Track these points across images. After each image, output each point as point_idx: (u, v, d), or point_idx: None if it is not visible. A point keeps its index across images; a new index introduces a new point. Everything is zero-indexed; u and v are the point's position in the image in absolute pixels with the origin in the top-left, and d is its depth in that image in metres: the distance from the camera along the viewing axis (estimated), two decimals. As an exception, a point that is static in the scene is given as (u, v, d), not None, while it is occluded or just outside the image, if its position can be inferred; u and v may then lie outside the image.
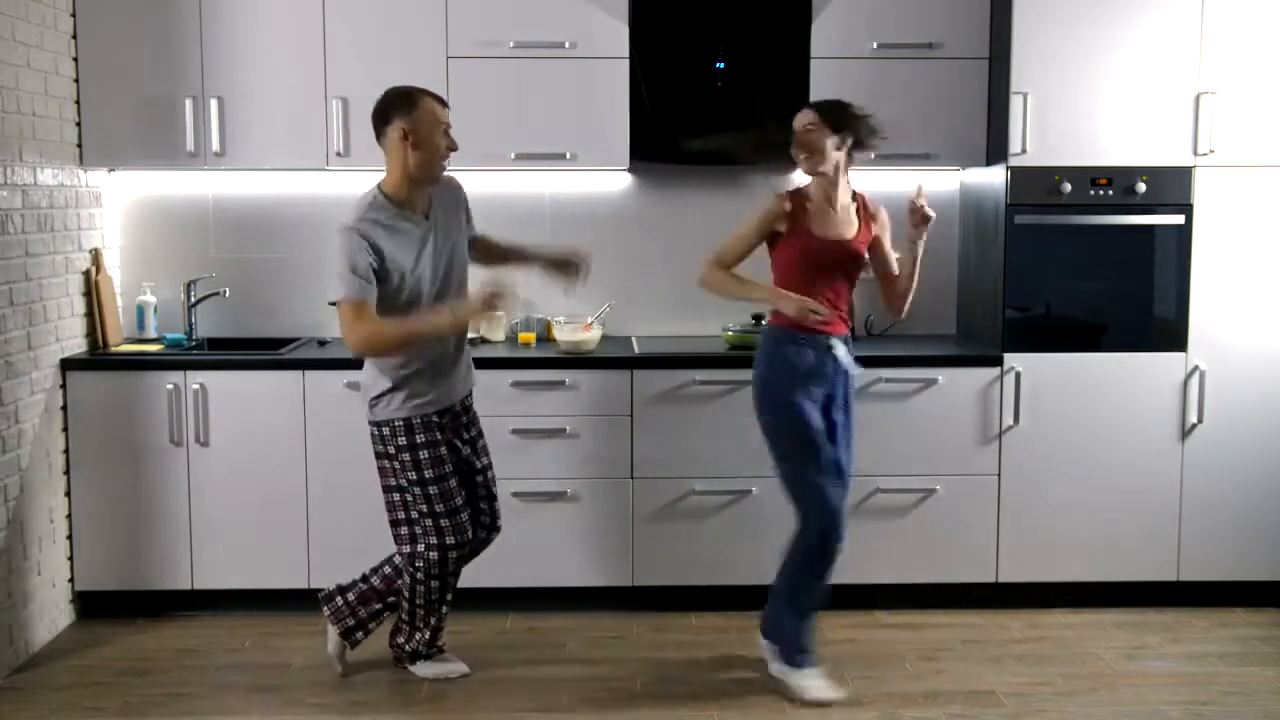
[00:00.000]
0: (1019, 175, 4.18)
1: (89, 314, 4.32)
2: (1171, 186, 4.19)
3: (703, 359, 4.21)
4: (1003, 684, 3.70)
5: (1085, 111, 4.17)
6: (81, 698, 3.60)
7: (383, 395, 3.49)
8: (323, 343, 4.46)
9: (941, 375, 4.20)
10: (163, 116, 4.28)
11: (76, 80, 4.25)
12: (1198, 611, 4.29)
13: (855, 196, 3.69)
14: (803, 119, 3.58)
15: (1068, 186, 4.18)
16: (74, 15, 4.22)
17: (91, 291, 4.32)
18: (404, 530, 3.61)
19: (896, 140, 4.36)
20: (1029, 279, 4.24)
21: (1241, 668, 3.83)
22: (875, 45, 4.34)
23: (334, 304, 3.37)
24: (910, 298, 3.75)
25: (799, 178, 4.69)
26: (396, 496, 3.59)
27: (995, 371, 4.22)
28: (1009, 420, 4.22)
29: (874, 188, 4.71)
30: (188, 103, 4.27)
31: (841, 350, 3.60)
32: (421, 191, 3.49)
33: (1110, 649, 3.97)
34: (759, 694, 3.62)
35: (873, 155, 3.75)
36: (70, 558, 4.17)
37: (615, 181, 4.67)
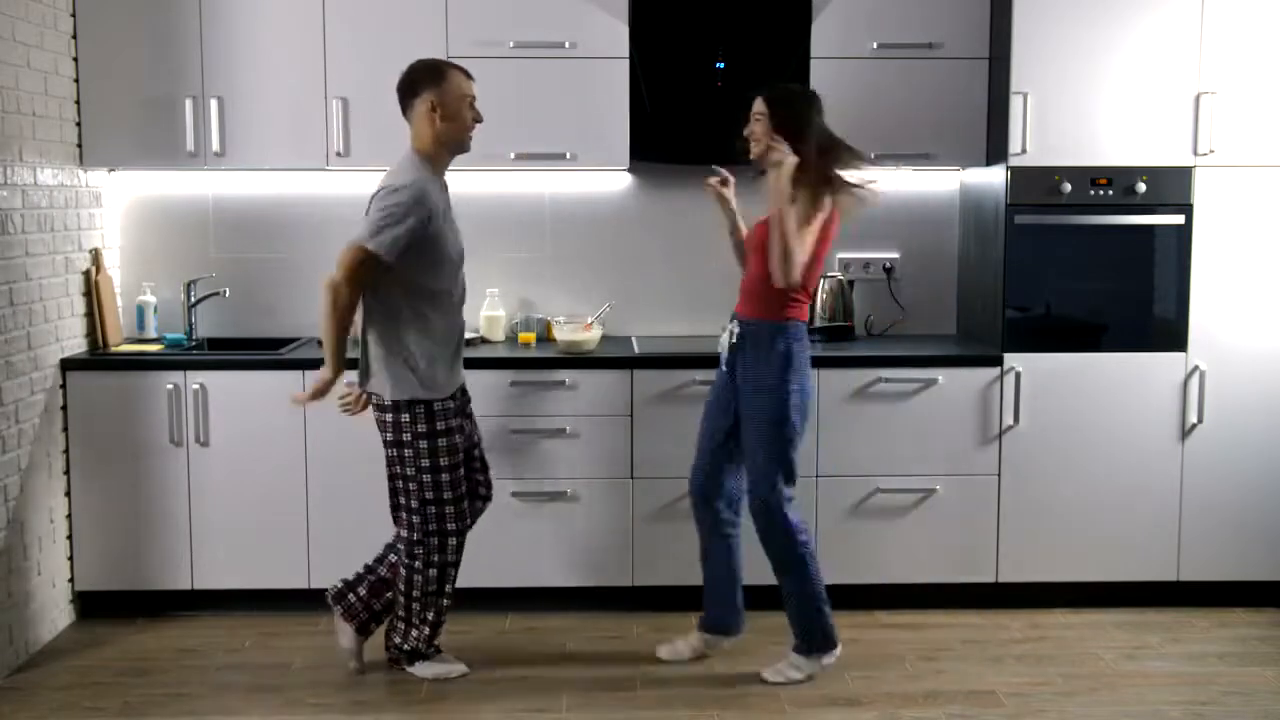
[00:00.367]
0: (1019, 175, 4.18)
1: (89, 314, 4.32)
2: (1171, 186, 4.19)
3: (703, 359, 4.20)
4: (1003, 684, 3.70)
5: (1085, 111, 4.17)
6: (81, 698, 3.60)
7: (401, 377, 3.47)
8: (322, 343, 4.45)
9: (941, 375, 4.20)
10: (163, 116, 4.28)
11: (76, 80, 4.25)
12: (1198, 611, 4.29)
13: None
14: (755, 106, 3.64)
15: (1068, 186, 4.18)
16: (74, 15, 4.22)
17: (91, 291, 4.32)
18: (406, 516, 3.60)
19: (896, 140, 4.39)
20: (1029, 279, 4.24)
21: (1241, 668, 3.83)
22: (875, 45, 4.34)
23: (355, 244, 3.35)
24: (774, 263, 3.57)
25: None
26: (401, 484, 3.59)
27: (995, 371, 4.22)
28: (1009, 420, 4.22)
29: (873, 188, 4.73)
30: (188, 103, 4.27)
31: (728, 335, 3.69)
32: (448, 158, 3.56)
33: (1110, 649, 3.97)
34: (759, 694, 3.62)
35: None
36: (70, 558, 4.17)
37: (615, 181, 4.67)
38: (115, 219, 4.59)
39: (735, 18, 4.35)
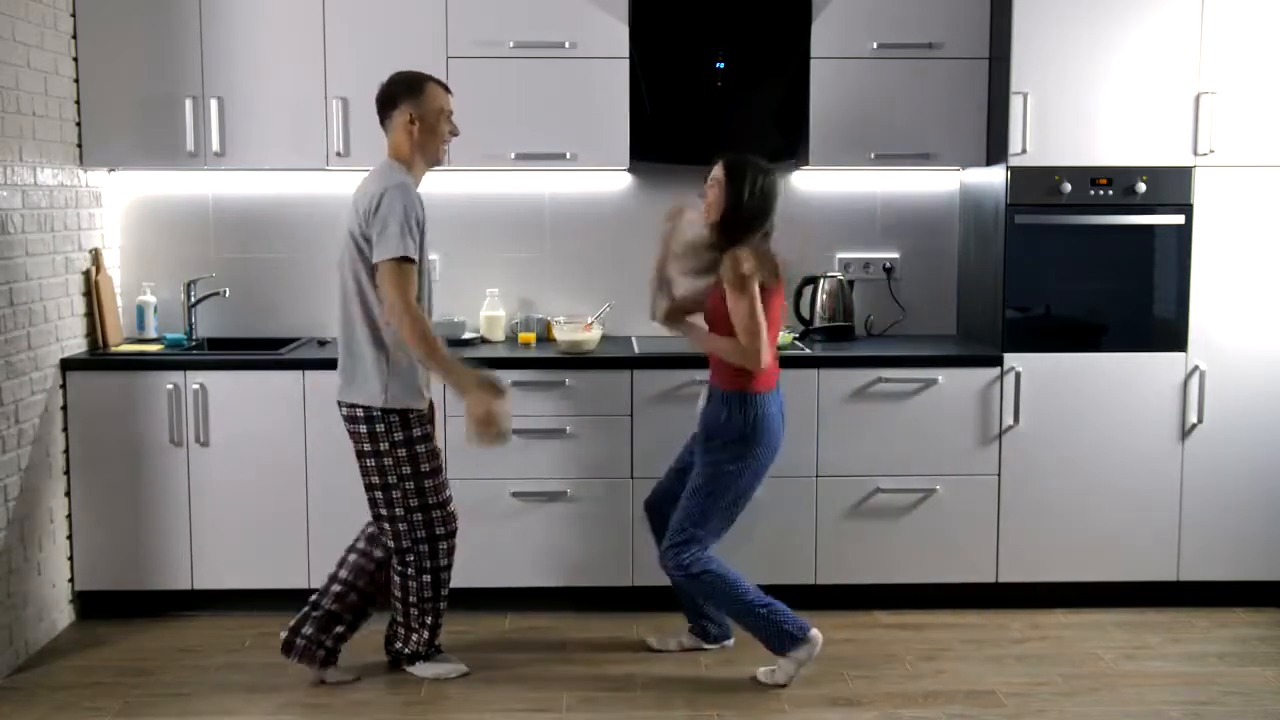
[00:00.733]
0: (1019, 175, 4.18)
1: (89, 314, 4.32)
2: (1171, 186, 4.19)
3: (703, 359, 4.19)
4: (1003, 684, 3.70)
5: (1085, 111, 4.17)
6: (81, 698, 3.60)
7: (384, 386, 3.45)
8: (323, 343, 4.46)
9: (941, 375, 4.20)
10: (163, 116, 4.28)
11: (76, 80, 4.25)
12: (1198, 611, 4.29)
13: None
14: (714, 171, 3.62)
15: (1068, 186, 4.18)
16: (74, 15, 4.22)
17: (91, 291, 4.32)
18: (391, 527, 3.57)
19: (896, 140, 4.39)
20: (1029, 279, 4.24)
21: (1241, 668, 3.83)
22: (875, 45, 4.34)
23: (380, 261, 3.33)
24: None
25: (798, 180, 4.71)
26: (380, 495, 3.54)
27: (995, 371, 4.22)
28: (1009, 420, 4.22)
29: (874, 188, 4.75)
30: (188, 103, 4.27)
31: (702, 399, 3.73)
32: (424, 170, 3.56)
33: (1110, 649, 3.97)
34: (759, 694, 3.62)
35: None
36: (70, 558, 4.17)
37: (615, 181, 4.67)
38: (115, 219, 4.59)
39: (735, 18, 4.35)
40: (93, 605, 4.23)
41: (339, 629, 3.64)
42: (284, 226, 4.63)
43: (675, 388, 4.17)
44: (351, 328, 3.50)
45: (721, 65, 4.36)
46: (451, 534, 3.62)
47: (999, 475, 4.24)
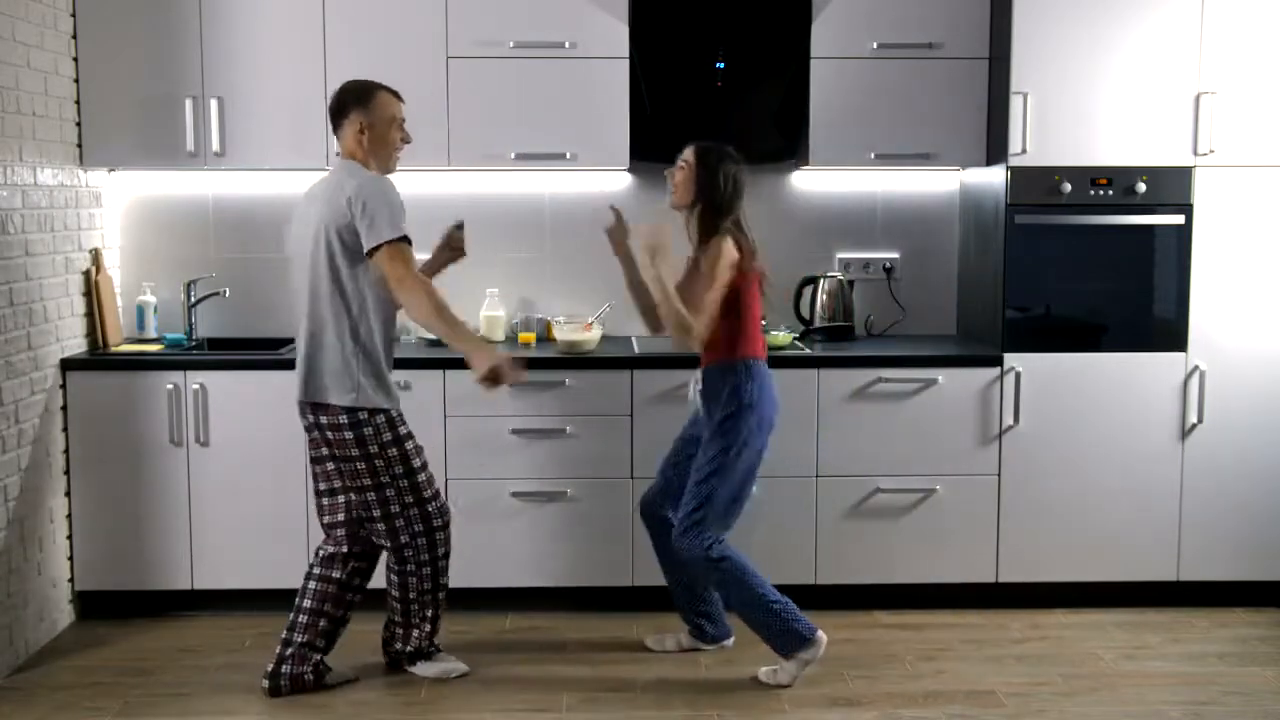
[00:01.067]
0: (1019, 175, 4.18)
1: (89, 314, 4.32)
2: (1171, 186, 4.19)
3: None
4: (1003, 684, 3.70)
5: (1085, 111, 4.17)
6: (81, 698, 3.60)
7: (364, 385, 3.43)
8: (323, 343, 4.46)
9: (941, 375, 4.20)
10: (163, 116, 4.28)
11: (76, 80, 4.25)
12: (1198, 611, 4.29)
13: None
14: (683, 154, 3.68)
15: (1068, 186, 4.18)
16: (74, 15, 4.22)
17: (91, 291, 4.32)
18: (386, 526, 3.53)
19: (896, 140, 4.39)
20: (1029, 279, 4.24)
21: (1241, 668, 3.83)
22: (875, 45, 4.34)
23: (377, 248, 3.32)
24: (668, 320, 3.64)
25: (798, 180, 4.71)
26: (373, 495, 3.51)
27: (995, 371, 4.22)
28: (1009, 420, 4.22)
29: (874, 188, 4.75)
30: (188, 103, 4.27)
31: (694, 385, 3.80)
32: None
33: (1110, 649, 3.98)
34: (759, 694, 3.62)
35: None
36: (70, 558, 4.17)
37: (615, 181, 4.67)
38: (115, 219, 4.59)
39: (735, 18, 4.35)
40: (93, 605, 4.23)
41: (317, 657, 3.61)
42: (284, 226, 4.59)
43: (675, 388, 4.17)
44: (324, 333, 3.44)
45: (721, 65, 4.36)
46: (447, 524, 3.63)
47: (999, 475, 4.24)
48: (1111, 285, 4.26)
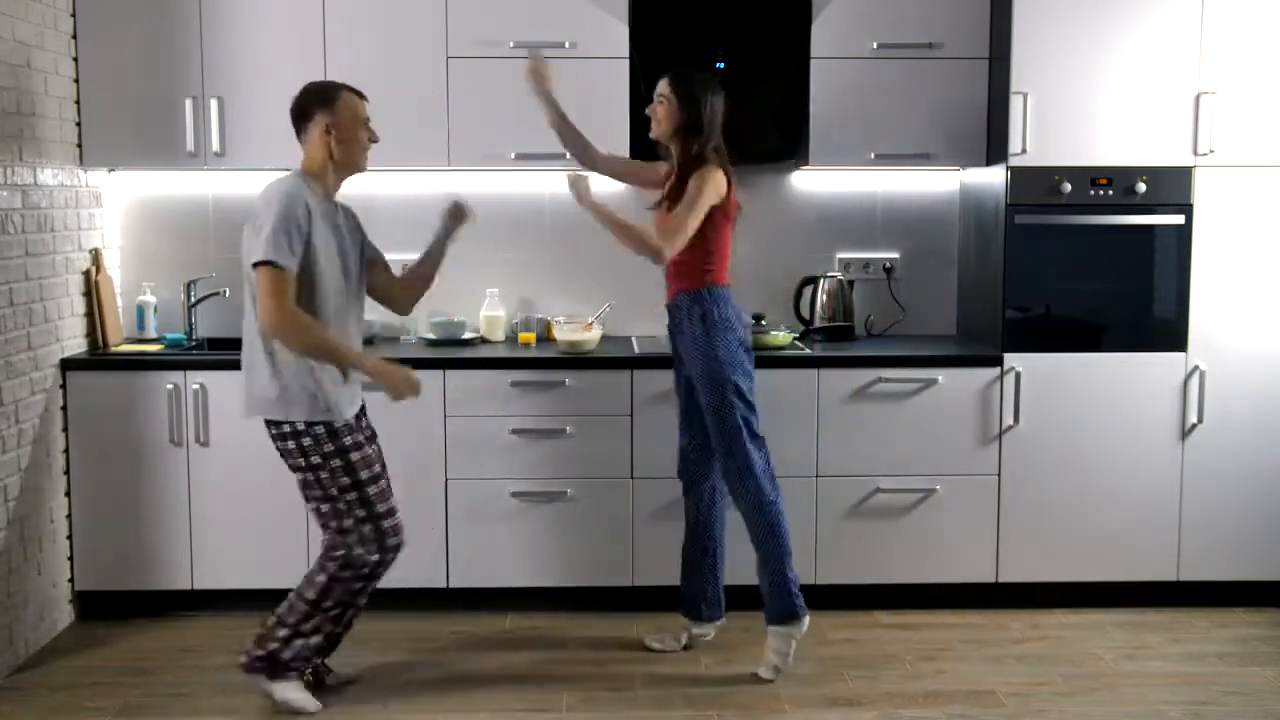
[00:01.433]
0: (1019, 175, 4.18)
1: (89, 314, 4.32)
2: (1171, 186, 4.19)
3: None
4: (1003, 684, 3.70)
5: (1085, 111, 4.17)
6: (81, 698, 3.60)
7: (298, 398, 3.33)
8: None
9: (941, 375, 4.20)
10: (163, 116, 4.28)
11: (76, 80, 4.25)
12: (1198, 611, 4.29)
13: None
14: (658, 87, 3.73)
15: (1068, 186, 4.18)
16: (74, 15, 4.22)
17: (91, 291, 4.32)
18: (342, 536, 3.41)
19: (896, 140, 4.39)
20: (1029, 279, 4.24)
21: (1241, 668, 3.83)
22: (875, 45, 4.34)
23: (256, 266, 3.23)
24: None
25: (798, 180, 4.71)
26: (327, 506, 3.41)
27: (995, 371, 4.22)
28: (1009, 420, 4.22)
29: (874, 188, 4.75)
30: (188, 103, 4.27)
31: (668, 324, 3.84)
32: (339, 180, 3.47)
33: (1110, 649, 3.98)
34: (759, 694, 3.62)
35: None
36: (70, 558, 4.17)
37: (615, 181, 4.66)
38: (115, 219, 4.59)
39: (735, 18, 4.35)
40: (93, 605, 4.23)
41: (319, 660, 3.59)
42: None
43: (675, 388, 4.16)
44: (253, 350, 3.37)
45: (721, 65, 4.36)
46: (399, 546, 3.47)
47: (999, 475, 4.24)
48: (1111, 285, 4.26)
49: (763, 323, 4.38)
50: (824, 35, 4.34)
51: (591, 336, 4.31)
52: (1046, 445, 4.23)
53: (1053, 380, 4.22)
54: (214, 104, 4.27)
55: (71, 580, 4.19)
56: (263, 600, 4.19)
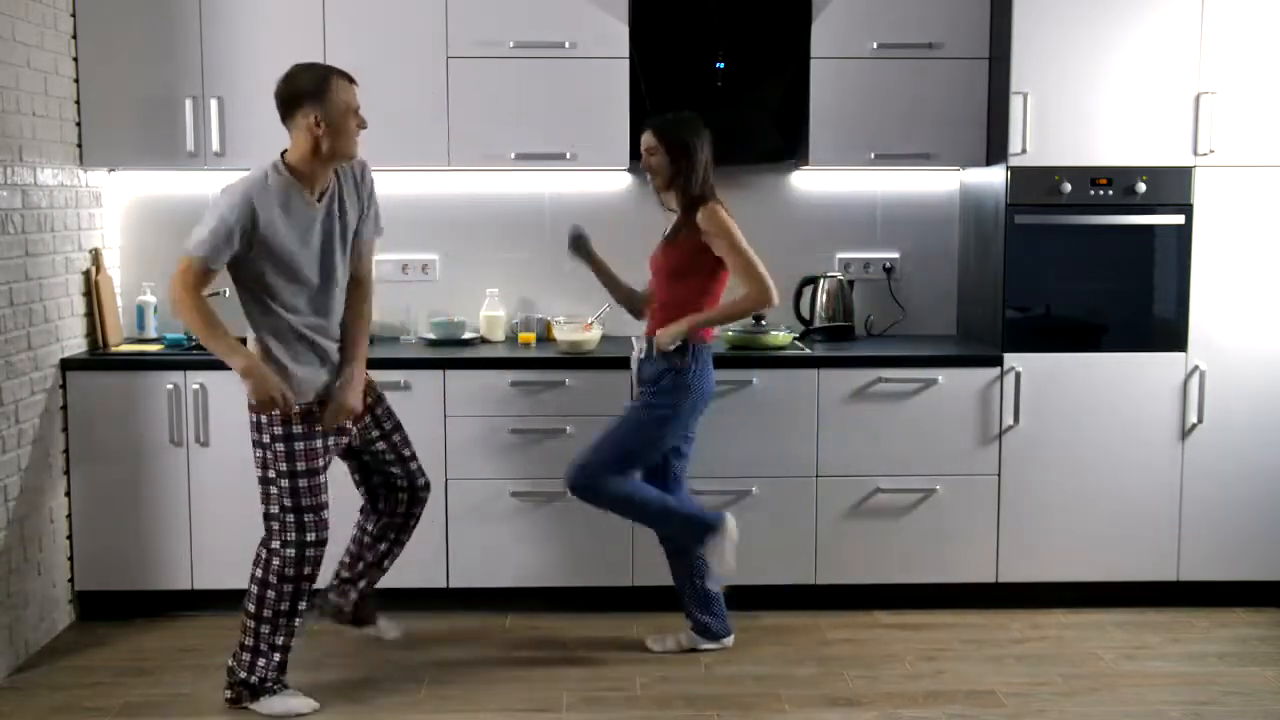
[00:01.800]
0: (1019, 175, 4.18)
1: (89, 314, 4.32)
2: (1171, 186, 4.19)
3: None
4: (1003, 684, 3.70)
5: (1085, 111, 4.17)
6: (81, 698, 3.60)
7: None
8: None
9: (941, 375, 4.20)
10: (163, 116, 4.28)
11: (76, 80, 4.25)
12: (1198, 611, 4.29)
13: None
14: (645, 142, 3.77)
15: (1068, 186, 4.18)
16: (74, 15, 4.22)
17: (91, 291, 4.32)
18: (265, 525, 3.45)
19: (896, 140, 4.39)
20: (1029, 279, 4.24)
21: (1241, 668, 3.83)
22: (875, 45, 4.34)
23: (185, 252, 3.28)
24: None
25: (798, 180, 4.71)
26: (262, 488, 3.44)
27: (995, 371, 4.22)
28: (1009, 420, 4.22)
29: (874, 188, 4.75)
30: (188, 103, 4.27)
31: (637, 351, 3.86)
32: (326, 170, 3.42)
33: (1110, 649, 3.98)
34: (759, 694, 3.62)
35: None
36: (70, 558, 4.17)
37: (615, 181, 4.67)
38: (115, 219, 4.59)
39: (735, 18, 4.35)
40: (93, 605, 4.23)
41: (354, 594, 3.79)
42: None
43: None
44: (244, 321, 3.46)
45: (721, 65, 4.36)
46: (321, 543, 3.45)
47: (999, 475, 4.24)
48: (1111, 285, 4.26)
49: (763, 323, 4.38)
50: (824, 35, 4.34)
51: (591, 336, 4.31)
52: (1046, 445, 4.23)
53: (1053, 380, 4.22)
54: (214, 104, 4.27)
55: (71, 580, 4.19)
56: (263, 600, 4.20)
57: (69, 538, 4.16)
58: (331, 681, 3.70)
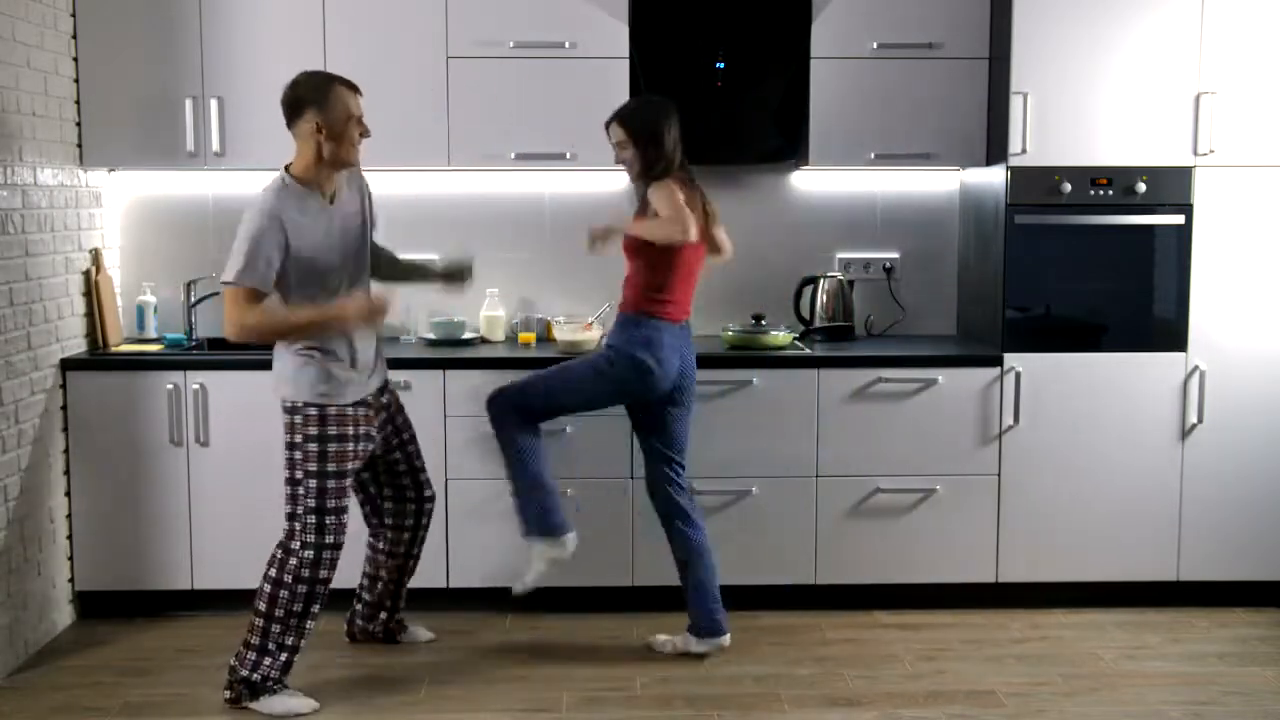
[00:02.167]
0: (1019, 175, 4.18)
1: (89, 314, 4.32)
2: (1171, 186, 4.19)
3: (702, 359, 4.19)
4: (1003, 684, 3.70)
5: (1085, 111, 4.17)
6: (81, 698, 3.60)
7: (294, 377, 3.44)
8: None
9: (941, 375, 4.20)
10: (163, 116, 4.28)
11: (76, 80, 4.25)
12: (1198, 611, 4.29)
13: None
14: (614, 135, 3.72)
15: (1068, 186, 4.18)
16: (74, 15, 4.22)
17: (91, 291, 4.32)
18: (287, 524, 3.49)
19: (896, 140, 4.39)
20: (1029, 279, 4.24)
21: (1241, 668, 3.83)
22: (875, 45, 4.34)
23: (226, 284, 3.31)
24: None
25: (798, 180, 4.71)
26: (289, 489, 3.48)
27: (995, 371, 4.22)
28: (1009, 420, 4.22)
29: (874, 188, 4.75)
30: (188, 103, 4.27)
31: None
32: (331, 177, 3.47)
33: (1110, 649, 3.98)
34: (759, 694, 3.62)
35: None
36: (70, 558, 4.17)
37: (615, 181, 4.66)
38: (115, 219, 4.59)
39: (735, 18, 4.35)
40: (93, 605, 4.23)
41: (383, 615, 3.90)
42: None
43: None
44: None
45: (721, 65, 4.36)
46: (338, 546, 3.48)
47: (999, 475, 4.24)
48: (1111, 285, 4.26)
49: (763, 323, 4.38)
50: (824, 35, 4.34)
51: (591, 336, 4.31)
52: (1046, 445, 4.23)
53: (1053, 380, 4.22)
54: (214, 104, 4.27)
55: (71, 580, 4.19)
56: (263, 600, 4.20)
57: (69, 538, 4.16)
58: (331, 681, 3.70)
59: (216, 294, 4.52)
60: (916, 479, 4.22)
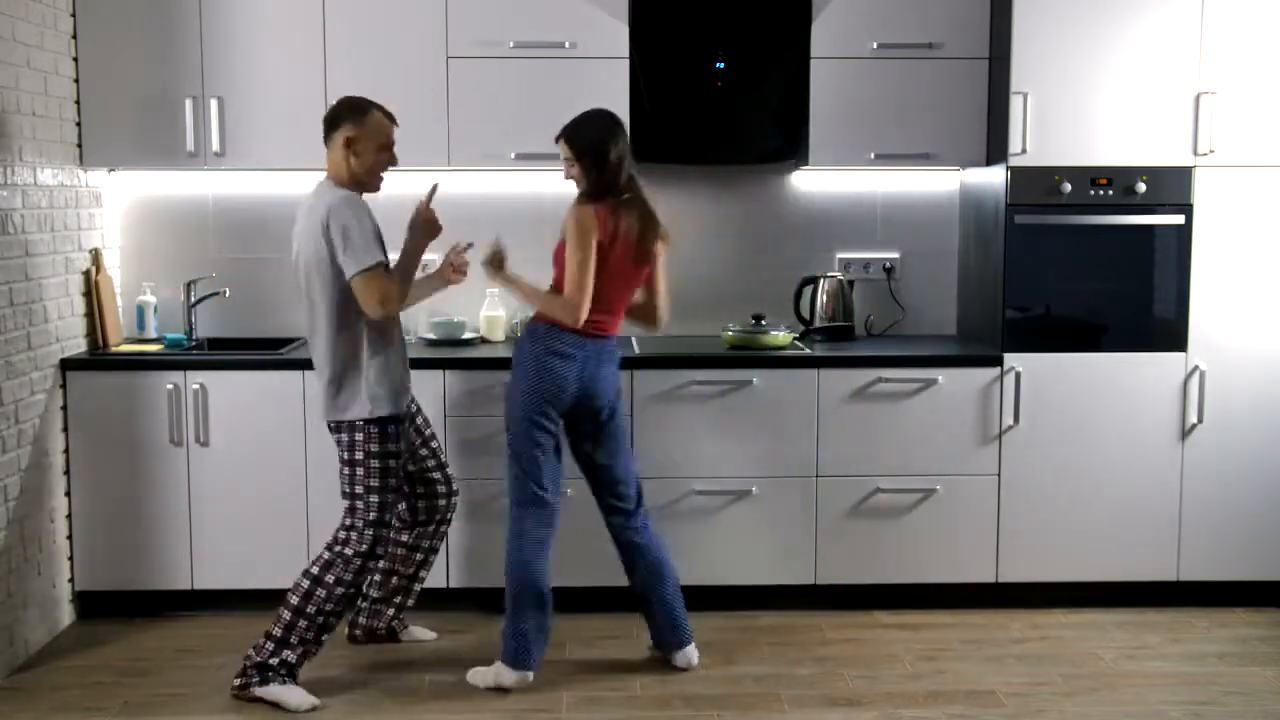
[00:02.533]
0: (1019, 175, 4.18)
1: (89, 314, 4.32)
2: (1171, 186, 4.19)
3: (702, 359, 4.21)
4: (1003, 684, 3.70)
5: (1085, 111, 4.17)
6: (81, 698, 3.60)
7: (359, 392, 3.50)
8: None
9: (941, 375, 4.20)
10: (163, 116, 4.28)
11: (76, 80, 4.25)
12: (1198, 611, 4.29)
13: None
14: (562, 152, 3.63)
15: (1068, 186, 4.18)
16: (74, 15, 4.22)
17: (91, 291, 4.32)
18: (345, 534, 3.57)
19: (896, 140, 4.39)
20: (1029, 279, 4.24)
21: (1241, 668, 3.83)
22: (875, 45, 4.34)
23: (361, 272, 3.41)
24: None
25: (798, 179, 4.71)
26: (348, 502, 3.58)
27: (995, 371, 4.22)
28: (1009, 420, 4.22)
29: (874, 188, 4.75)
30: (188, 103, 4.27)
31: None
32: (360, 191, 3.58)
33: (1110, 649, 3.98)
34: (759, 694, 3.62)
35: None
36: (70, 558, 4.17)
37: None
38: (115, 219, 4.59)
39: (735, 18, 4.35)
40: (93, 605, 4.23)
41: (390, 612, 3.93)
42: (284, 226, 4.56)
43: (675, 388, 4.17)
44: (320, 347, 3.53)
45: (721, 65, 4.36)
46: (381, 556, 3.62)
47: (999, 475, 4.24)
48: (1111, 285, 4.26)
49: (763, 323, 4.38)
50: (824, 35, 4.34)
51: (591, 336, 4.30)
52: (1046, 445, 4.23)
53: (1053, 380, 4.22)
54: (214, 104, 4.27)
55: (71, 580, 4.19)
56: (263, 600, 4.19)
57: (69, 538, 4.16)
58: (332, 680, 3.70)
59: (217, 294, 4.52)
60: (916, 479, 4.22)
